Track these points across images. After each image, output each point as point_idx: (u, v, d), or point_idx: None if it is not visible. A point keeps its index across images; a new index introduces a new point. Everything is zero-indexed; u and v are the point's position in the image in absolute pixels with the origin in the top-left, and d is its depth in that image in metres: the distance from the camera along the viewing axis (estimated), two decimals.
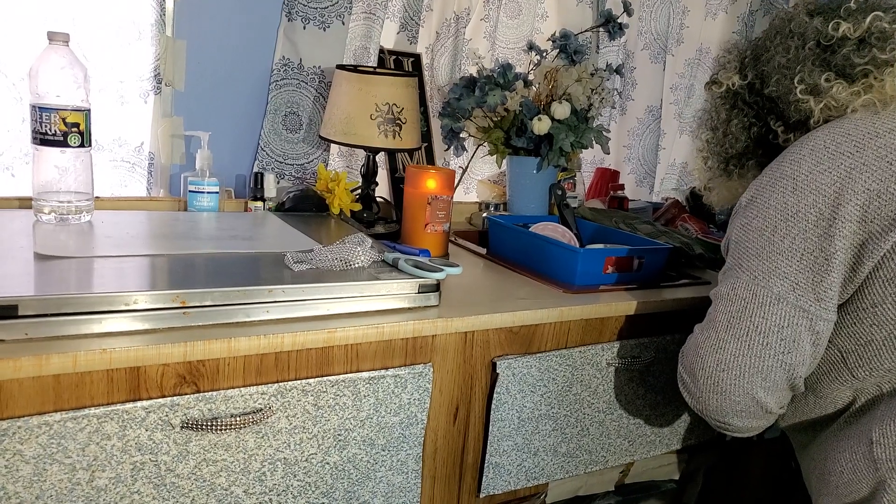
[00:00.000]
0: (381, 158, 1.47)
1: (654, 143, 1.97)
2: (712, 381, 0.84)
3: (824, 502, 0.86)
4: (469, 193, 1.73)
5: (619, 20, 1.55)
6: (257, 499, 0.83)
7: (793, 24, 0.87)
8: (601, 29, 1.60)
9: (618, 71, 1.54)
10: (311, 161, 1.42)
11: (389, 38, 1.49)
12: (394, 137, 1.27)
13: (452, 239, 1.36)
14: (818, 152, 0.80)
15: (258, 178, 1.30)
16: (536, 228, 1.25)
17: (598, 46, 1.77)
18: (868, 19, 0.81)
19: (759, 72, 0.91)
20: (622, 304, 1.06)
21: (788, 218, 0.80)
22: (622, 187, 1.77)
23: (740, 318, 0.82)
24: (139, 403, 0.73)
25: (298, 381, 0.82)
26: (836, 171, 0.78)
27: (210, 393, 0.77)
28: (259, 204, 1.29)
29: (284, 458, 0.83)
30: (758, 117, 0.94)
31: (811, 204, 0.78)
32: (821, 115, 0.84)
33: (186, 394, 0.76)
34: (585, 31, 1.63)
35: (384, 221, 1.37)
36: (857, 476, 0.80)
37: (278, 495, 0.84)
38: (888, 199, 0.75)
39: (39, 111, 0.98)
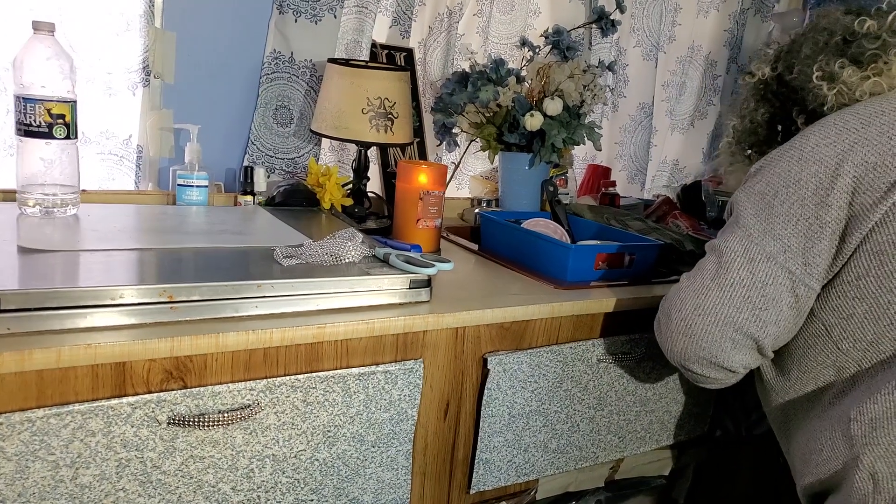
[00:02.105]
0: (372, 153, 1.46)
1: (646, 140, 1.97)
2: (685, 324, 0.88)
3: (805, 482, 0.88)
4: (461, 189, 1.72)
5: (611, 17, 1.54)
6: (245, 496, 0.82)
7: (827, 20, 0.92)
8: (594, 25, 1.59)
9: (610, 68, 1.53)
10: (302, 155, 1.41)
11: (382, 32, 1.48)
12: (385, 132, 1.26)
13: (444, 234, 1.35)
14: (827, 128, 0.84)
15: (248, 172, 1.29)
16: (528, 224, 1.25)
17: (590, 43, 1.77)
18: (890, 17, 0.86)
19: (789, 63, 0.96)
20: (613, 301, 1.06)
21: (790, 185, 0.83)
22: (614, 184, 1.77)
23: (728, 269, 0.85)
24: (125, 399, 0.72)
25: (287, 377, 0.81)
26: (840, 144, 0.82)
27: (197, 389, 0.76)
28: (249, 198, 1.28)
29: (273, 454, 0.83)
30: (783, 108, 0.99)
31: (813, 173, 0.82)
32: (834, 100, 0.89)
33: (173, 389, 0.75)
34: (578, 27, 1.62)
35: (375, 216, 1.36)
36: (835, 453, 0.82)
37: (266, 492, 0.84)
38: (882, 171, 0.78)
39: (24, 102, 0.96)
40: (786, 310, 0.84)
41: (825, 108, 0.90)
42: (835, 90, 0.88)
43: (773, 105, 0.99)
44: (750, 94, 1.02)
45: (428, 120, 1.54)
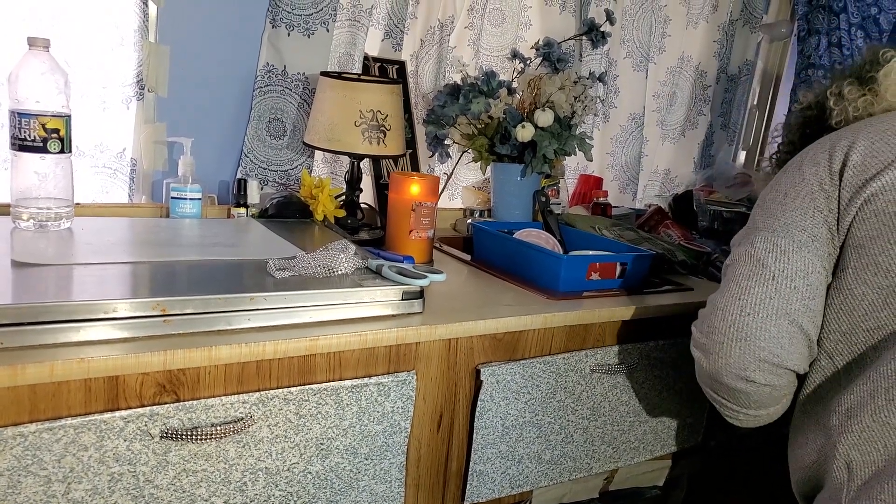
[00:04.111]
0: (365, 165, 1.47)
1: (637, 151, 1.99)
2: (735, 329, 0.82)
3: (795, 479, 0.89)
4: (454, 200, 1.73)
5: (601, 29, 1.56)
6: None
7: (868, 51, 1.00)
8: (584, 37, 1.61)
9: (601, 79, 1.55)
10: (295, 167, 1.42)
11: (374, 45, 1.49)
12: (378, 144, 1.26)
13: (437, 245, 1.36)
14: (822, 141, 0.90)
15: (241, 185, 1.29)
16: (520, 235, 1.25)
17: (581, 54, 1.78)
18: None
19: (825, 88, 1.03)
20: (605, 311, 1.06)
21: (796, 184, 0.88)
22: (605, 194, 1.78)
23: (763, 265, 0.84)
24: (117, 413, 0.72)
25: (280, 390, 0.82)
26: (831, 149, 0.87)
27: (190, 402, 0.76)
28: (242, 210, 1.28)
29: (266, 467, 0.83)
30: (818, 128, 1.04)
31: (813, 172, 0.87)
32: (840, 116, 0.96)
33: (166, 403, 0.75)
34: (569, 39, 1.64)
35: (368, 228, 1.36)
36: (817, 445, 0.84)
37: None
38: (861, 169, 0.83)
39: (18, 117, 0.97)
40: (824, 300, 0.85)
41: (832, 121, 0.97)
42: (840, 106, 0.96)
43: (811, 127, 1.05)
44: (795, 117, 1.10)
45: (420, 132, 1.55)
